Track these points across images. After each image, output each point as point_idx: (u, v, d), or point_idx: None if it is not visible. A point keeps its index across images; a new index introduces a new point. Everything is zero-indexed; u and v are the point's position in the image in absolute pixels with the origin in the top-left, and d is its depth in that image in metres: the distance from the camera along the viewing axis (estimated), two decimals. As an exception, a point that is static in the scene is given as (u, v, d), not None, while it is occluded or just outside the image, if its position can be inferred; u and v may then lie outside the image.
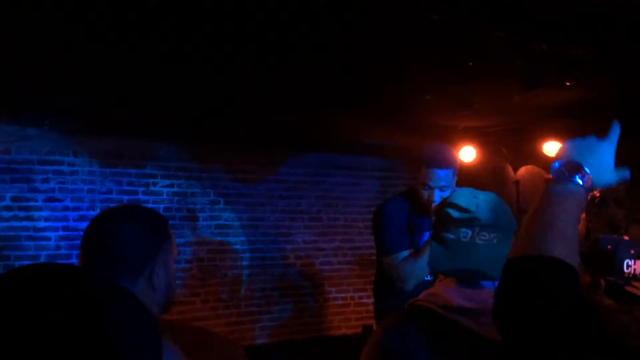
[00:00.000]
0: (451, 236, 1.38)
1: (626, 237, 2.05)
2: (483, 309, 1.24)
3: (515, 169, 5.59)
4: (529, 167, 5.45)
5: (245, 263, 5.36)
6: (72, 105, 3.98)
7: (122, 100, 3.91)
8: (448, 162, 2.64)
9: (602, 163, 1.03)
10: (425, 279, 2.55)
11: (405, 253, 2.63)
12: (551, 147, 4.77)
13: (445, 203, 1.44)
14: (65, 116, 4.29)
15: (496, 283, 1.22)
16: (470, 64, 2.93)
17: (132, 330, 0.59)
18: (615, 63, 3.05)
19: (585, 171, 0.99)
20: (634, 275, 1.87)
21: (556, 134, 4.71)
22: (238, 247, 5.34)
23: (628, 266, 1.87)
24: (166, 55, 2.92)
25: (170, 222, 5.49)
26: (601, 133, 1.07)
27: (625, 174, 1.06)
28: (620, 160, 1.06)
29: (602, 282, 1.90)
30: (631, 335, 1.86)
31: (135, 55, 2.91)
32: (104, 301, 0.58)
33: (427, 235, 2.63)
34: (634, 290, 1.85)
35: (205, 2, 2.18)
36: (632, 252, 1.89)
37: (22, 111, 4.16)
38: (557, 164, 1.02)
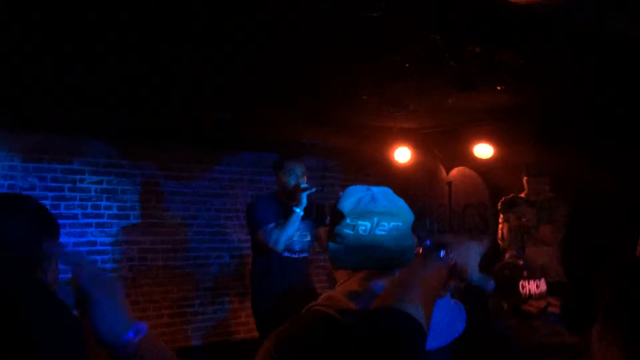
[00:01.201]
0: (349, 232, 1.30)
1: (521, 262, 2.39)
2: None
3: (448, 170, 5.75)
4: (461, 168, 5.62)
5: (178, 263, 5.22)
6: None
7: (47, 92, 3.71)
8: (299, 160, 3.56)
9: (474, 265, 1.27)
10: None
11: (273, 224, 3.35)
12: (482, 149, 4.94)
13: (338, 200, 1.36)
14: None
15: (396, 272, 1.27)
16: (407, 64, 2.98)
17: (51, 323, 0.55)
18: (542, 69, 3.20)
19: (448, 250, 1.21)
20: (530, 294, 2.18)
21: (487, 136, 4.89)
22: (170, 246, 5.19)
23: (523, 287, 2.18)
24: (95, 45, 2.79)
25: (99, 220, 5.18)
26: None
27: (489, 285, 1.29)
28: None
29: (505, 305, 2.21)
30: (541, 335, 2.11)
31: (62, 45, 2.76)
32: (20, 294, 0.54)
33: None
34: (529, 308, 2.17)
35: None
36: (525, 274, 2.22)
37: None
38: (428, 242, 1.25)
